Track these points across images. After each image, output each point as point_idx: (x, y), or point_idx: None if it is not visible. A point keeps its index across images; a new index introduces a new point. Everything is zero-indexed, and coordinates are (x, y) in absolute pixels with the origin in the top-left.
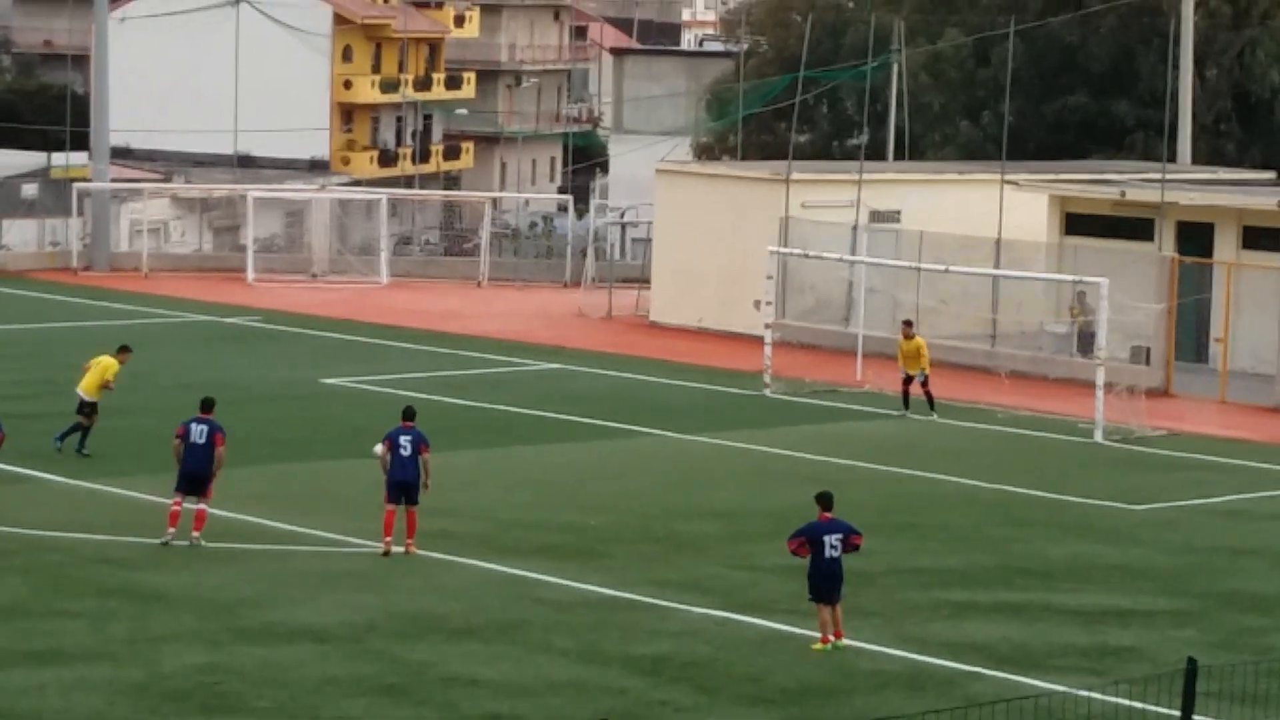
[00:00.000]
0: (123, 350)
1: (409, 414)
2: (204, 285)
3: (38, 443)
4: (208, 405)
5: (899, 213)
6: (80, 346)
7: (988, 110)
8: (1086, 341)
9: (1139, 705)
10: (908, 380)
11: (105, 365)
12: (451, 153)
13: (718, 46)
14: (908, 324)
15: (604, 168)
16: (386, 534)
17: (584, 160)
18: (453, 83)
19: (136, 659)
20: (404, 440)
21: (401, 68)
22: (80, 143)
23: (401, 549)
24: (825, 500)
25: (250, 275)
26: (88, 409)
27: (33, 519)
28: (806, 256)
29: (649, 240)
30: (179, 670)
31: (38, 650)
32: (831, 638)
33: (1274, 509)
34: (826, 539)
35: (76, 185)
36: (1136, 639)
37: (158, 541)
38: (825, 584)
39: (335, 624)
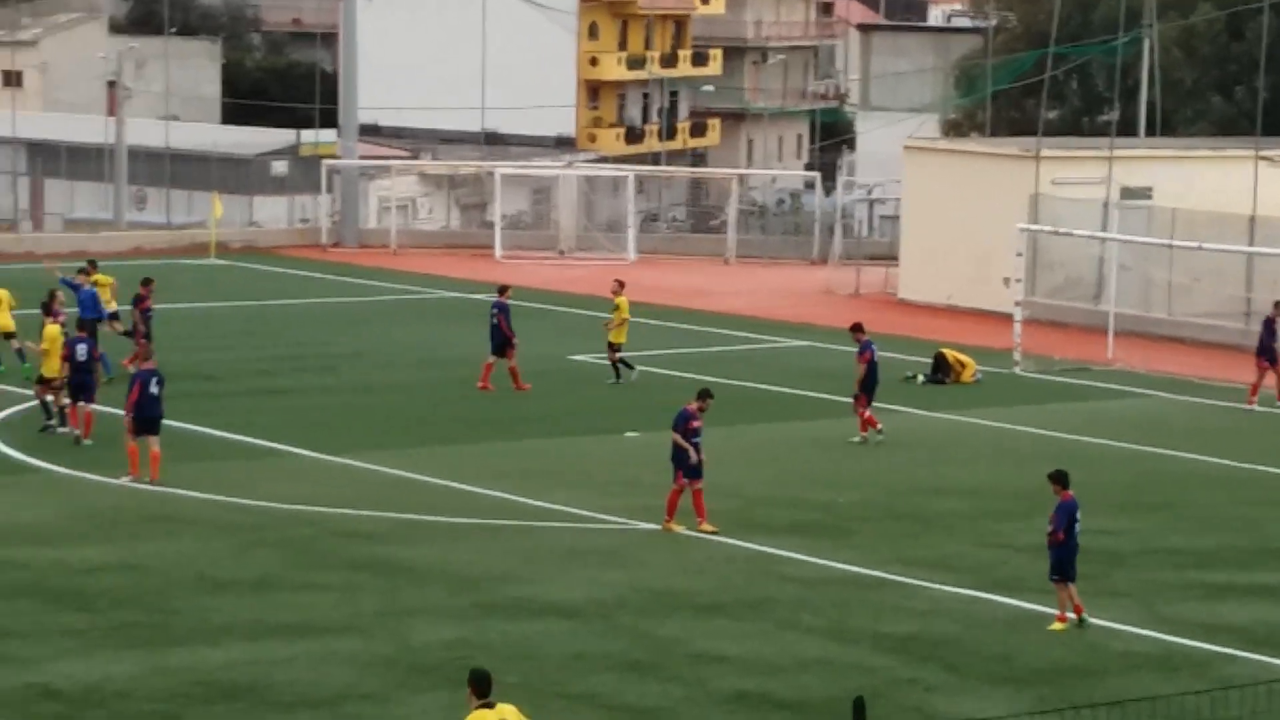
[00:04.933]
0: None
1: (702, 395)
2: (451, 262)
3: (287, 417)
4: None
5: (1150, 189)
6: (328, 322)
7: (1241, 85)
8: None
9: None
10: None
11: None
12: (698, 129)
13: (966, 22)
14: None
15: (851, 144)
16: (671, 511)
17: (831, 137)
18: (699, 59)
19: (386, 632)
20: (697, 425)
21: (648, 44)
22: (329, 120)
23: (682, 529)
24: (1063, 478)
25: (498, 252)
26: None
27: (284, 493)
28: (1056, 233)
29: (897, 217)
30: (428, 644)
31: (289, 623)
32: (1071, 615)
33: None
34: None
35: (325, 162)
36: None
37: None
38: (1074, 561)
39: (584, 600)
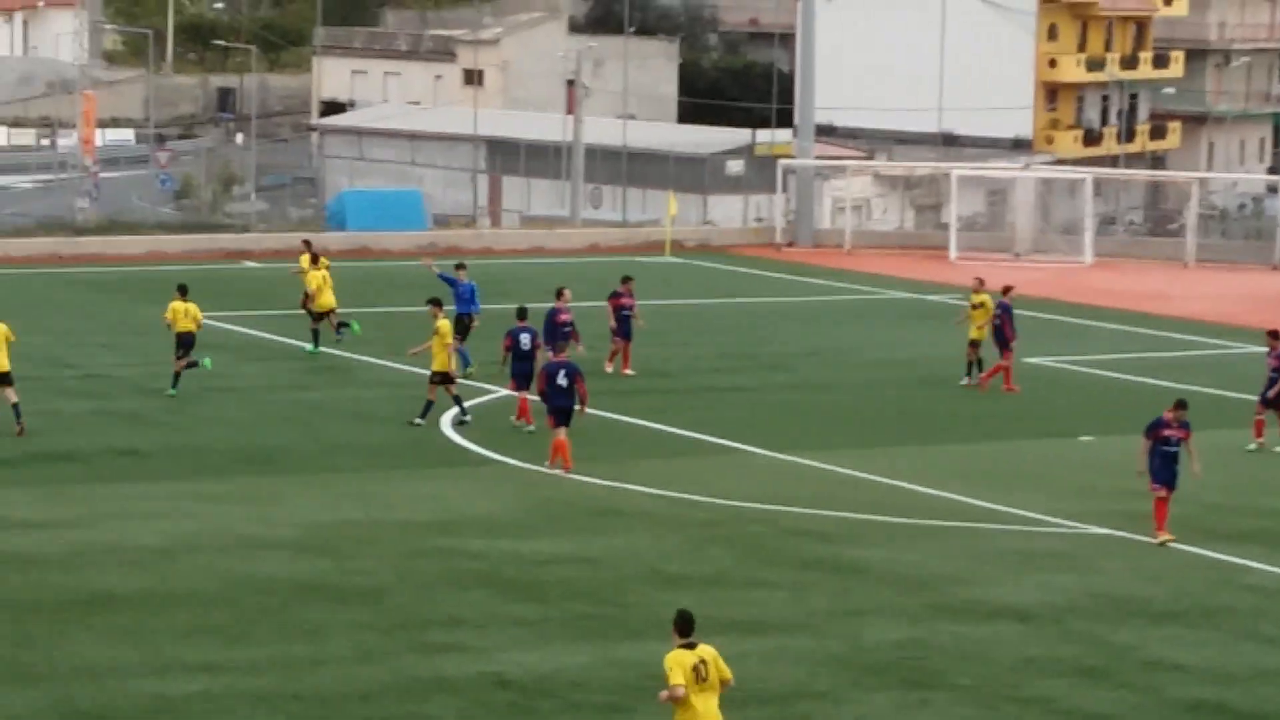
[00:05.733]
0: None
1: (1177, 405)
2: (905, 262)
3: (741, 415)
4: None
5: None
6: (783, 321)
7: None
8: None
9: None
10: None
11: None
12: (1157, 132)
13: None
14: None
15: None
16: (1159, 525)
17: None
18: (1160, 61)
19: (837, 631)
20: (1170, 434)
21: (1108, 46)
22: (784, 120)
23: (1164, 539)
24: None
25: (953, 253)
26: None
27: (736, 490)
28: None
29: None
30: (879, 644)
31: (739, 619)
32: None
33: None
34: None
35: (781, 162)
36: None
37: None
38: None
39: (1036, 604)
